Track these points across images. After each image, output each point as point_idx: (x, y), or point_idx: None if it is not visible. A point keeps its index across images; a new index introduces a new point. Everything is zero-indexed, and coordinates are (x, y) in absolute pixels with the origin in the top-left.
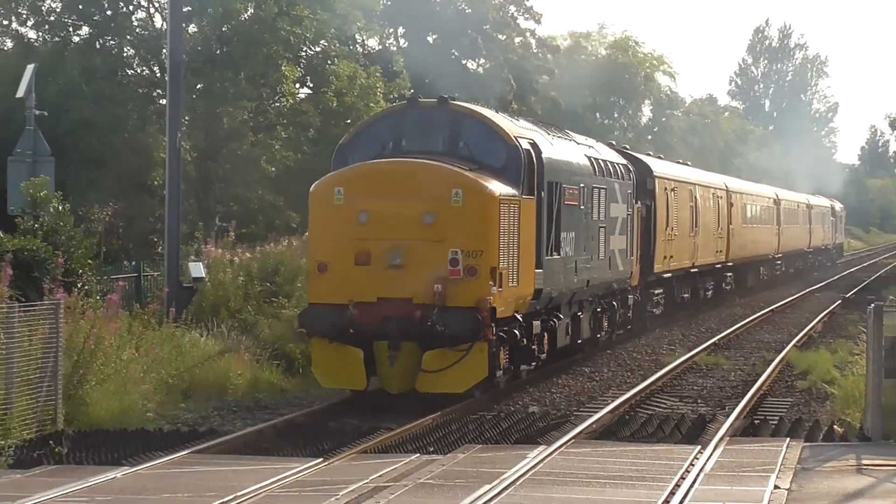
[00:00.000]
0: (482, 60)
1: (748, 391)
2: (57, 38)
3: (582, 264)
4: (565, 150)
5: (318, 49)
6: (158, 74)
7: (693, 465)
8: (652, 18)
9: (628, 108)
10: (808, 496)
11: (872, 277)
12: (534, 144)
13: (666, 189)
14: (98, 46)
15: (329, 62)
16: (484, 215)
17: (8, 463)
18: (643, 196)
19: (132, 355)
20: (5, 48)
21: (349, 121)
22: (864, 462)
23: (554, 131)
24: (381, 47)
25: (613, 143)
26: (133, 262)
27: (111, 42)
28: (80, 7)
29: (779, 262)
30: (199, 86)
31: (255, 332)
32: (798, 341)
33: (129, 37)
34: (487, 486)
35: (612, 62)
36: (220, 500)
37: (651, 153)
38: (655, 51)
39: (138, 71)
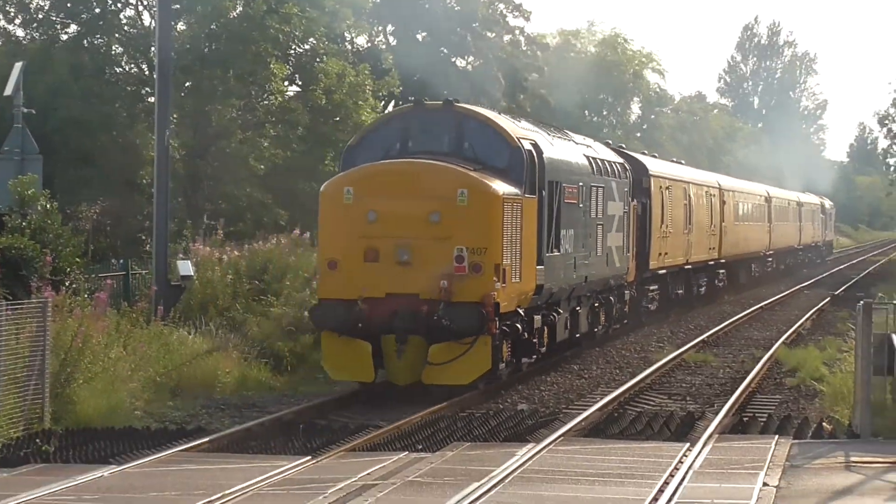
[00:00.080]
0: (471, 58)
1: (737, 388)
2: (45, 36)
3: (581, 261)
4: (565, 150)
5: (306, 47)
6: (147, 72)
7: (682, 463)
8: (641, 16)
9: (617, 106)
10: (797, 493)
11: (861, 275)
12: (535, 145)
13: (661, 187)
14: (86, 44)
15: (318, 60)
16: (488, 214)
17: None
18: (639, 194)
19: (120, 353)
20: None
21: (338, 119)
22: (853, 459)
23: (553, 132)
24: (370, 45)
25: (610, 142)
26: (121, 261)
27: (99, 40)
28: (69, 5)
29: (770, 259)
30: (187, 84)
31: (243, 330)
32: (787, 338)
33: (117, 35)
34: (476, 484)
35: (601, 60)
36: (208, 499)
37: (646, 152)
38: (644, 48)
39: (127, 69)
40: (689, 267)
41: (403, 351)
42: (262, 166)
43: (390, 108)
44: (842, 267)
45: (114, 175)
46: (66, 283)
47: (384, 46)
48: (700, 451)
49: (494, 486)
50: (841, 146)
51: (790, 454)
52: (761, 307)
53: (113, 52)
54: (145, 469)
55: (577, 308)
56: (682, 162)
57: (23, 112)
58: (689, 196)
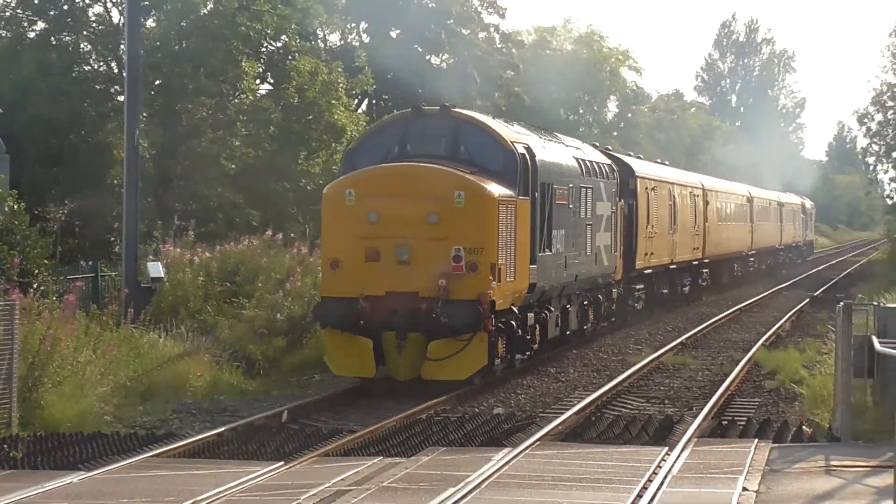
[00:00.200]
0: (446, 56)
1: (716, 391)
2: (11, 34)
3: (571, 260)
4: (555, 152)
5: (278, 44)
6: (116, 70)
7: (660, 467)
8: (618, 13)
9: (594, 104)
10: (777, 498)
11: (840, 275)
12: (528, 148)
13: (647, 188)
14: (54, 42)
15: (290, 58)
16: (484, 215)
17: None
18: (626, 195)
19: (89, 357)
20: None
21: (310, 117)
22: (833, 463)
23: (545, 135)
24: (343, 42)
25: (597, 144)
26: (90, 262)
27: (67, 37)
28: (36, 2)
29: (752, 258)
30: (157, 82)
31: (214, 333)
32: (766, 340)
33: (85, 32)
34: (452, 490)
35: (577, 57)
36: None
37: (631, 153)
38: (621, 46)
39: (95, 67)
40: (674, 267)
41: (403, 347)
42: (234, 166)
43: (363, 106)
44: (821, 268)
45: (83, 175)
46: (34, 286)
47: (357, 44)
48: (679, 456)
49: (470, 491)
50: (820, 145)
51: (770, 458)
52: (740, 309)
53: (81, 50)
54: (115, 475)
55: (568, 306)
56: (667, 163)
57: None
58: (674, 197)
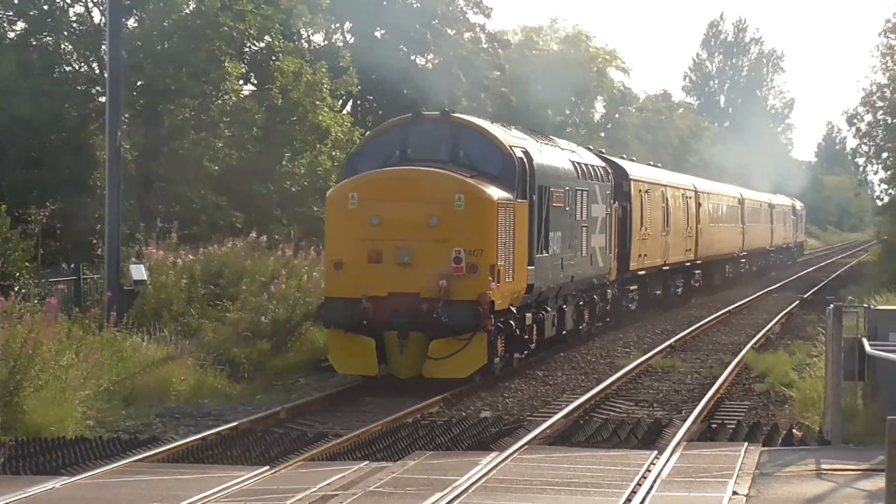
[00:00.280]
0: (431, 56)
1: (705, 395)
2: None
3: (567, 261)
4: (552, 156)
5: (262, 45)
6: (98, 71)
7: (649, 471)
8: (605, 12)
9: (581, 105)
10: (767, 502)
11: (830, 277)
12: (526, 152)
13: (640, 191)
14: (34, 42)
15: (273, 58)
16: (484, 218)
17: None
18: (620, 197)
19: (71, 361)
20: None
21: (294, 118)
22: (824, 467)
23: (541, 139)
24: (327, 43)
25: (591, 147)
26: (72, 265)
27: (48, 38)
28: (16, 1)
29: (743, 260)
30: (139, 82)
31: (198, 337)
32: (755, 343)
33: (66, 32)
34: (439, 494)
35: (564, 57)
36: None
37: (624, 156)
38: (608, 45)
39: (77, 67)
40: (667, 268)
41: (405, 346)
42: (217, 167)
43: (348, 107)
44: (810, 270)
45: (64, 177)
46: (16, 289)
47: (342, 44)
48: (668, 460)
49: (458, 496)
50: (809, 146)
51: (760, 462)
52: (729, 311)
53: (62, 50)
54: (98, 480)
55: (564, 306)
56: (659, 165)
57: None
58: (667, 199)
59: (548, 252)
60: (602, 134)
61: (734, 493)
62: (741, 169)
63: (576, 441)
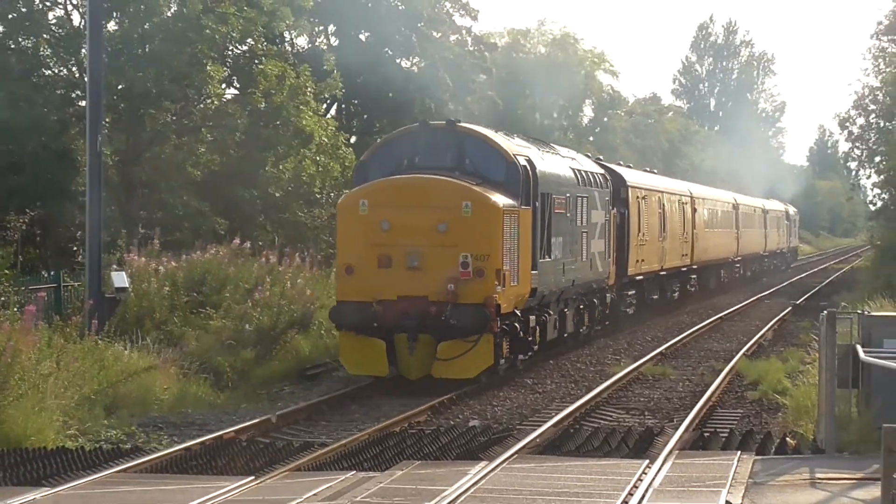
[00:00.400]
0: (417, 59)
1: (697, 402)
2: None
3: (568, 266)
4: (554, 163)
5: (244, 48)
6: (77, 75)
7: (641, 481)
8: (593, 15)
9: (569, 109)
10: None
11: (823, 283)
12: (529, 160)
13: (637, 197)
14: (13, 46)
15: (256, 61)
16: (490, 224)
17: None
18: (618, 204)
19: (52, 370)
20: None
21: (278, 122)
22: (818, 475)
23: (543, 147)
24: (310, 46)
25: (589, 154)
26: (52, 272)
27: (26, 41)
28: None
29: (738, 265)
30: (120, 86)
31: (181, 345)
32: (748, 350)
33: (45, 35)
34: None
35: (551, 60)
36: None
37: (621, 162)
38: (596, 48)
39: (56, 71)
40: (664, 273)
41: (414, 348)
42: (199, 173)
43: (332, 111)
44: (803, 275)
45: (44, 183)
46: None
47: (326, 47)
48: (660, 469)
49: None
50: (800, 150)
51: (753, 470)
52: (720, 317)
53: (41, 54)
54: (80, 491)
55: (565, 310)
56: (655, 171)
57: None
58: (663, 205)
59: (550, 257)
60: (591, 138)
61: (727, 502)
62: (732, 174)
63: (566, 450)
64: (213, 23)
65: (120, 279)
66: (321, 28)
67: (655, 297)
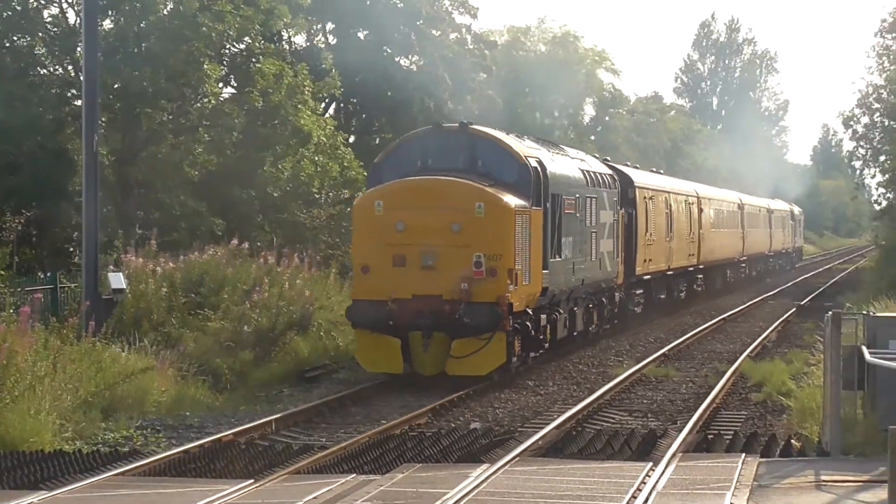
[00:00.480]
0: (416, 58)
1: (700, 404)
2: None
3: (578, 265)
4: (563, 165)
5: (241, 46)
6: (73, 74)
7: (644, 483)
8: (594, 12)
9: (570, 107)
10: None
11: (827, 284)
12: (540, 162)
13: (645, 197)
14: (7, 45)
15: (254, 60)
16: (502, 224)
17: None
18: (626, 204)
19: (48, 372)
20: None
21: (276, 121)
22: (824, 478)
23: (553, 148)
24: (308, 44)
25: (597, 155)
26: (48, 273)
27: (21, 40)
28: None
29: (743, 265)
30: (116, 85)
31: (179, 347)
32: (752, 351)
33: (40, 34)
34: None
35: (552, 58)
36: None
37: (629, 163)
38: (597, 46)
39: (51, 70)
40: (671, 272)
41: (429, 346)
42: (196, 172)
43: (331, 110)
44: (807, 276)
45: (41, 183)
46: None
47: (324, 46)
48: (663, 471)
49: None
50: (804, 149)
51: (758, 473)
52: (724, 318)
53: (36, 53)
54: (77, 494)
55: (575, 308)
56: (662, 171)
57: None
58: (670, 205)
59: (560, 257)
60: (592, 137)
61: None
62: (735, 173)
63: (568, 453)
64: (210, 21)
65: (117, 280)
66: (319, 26)
67: (663, 296)
